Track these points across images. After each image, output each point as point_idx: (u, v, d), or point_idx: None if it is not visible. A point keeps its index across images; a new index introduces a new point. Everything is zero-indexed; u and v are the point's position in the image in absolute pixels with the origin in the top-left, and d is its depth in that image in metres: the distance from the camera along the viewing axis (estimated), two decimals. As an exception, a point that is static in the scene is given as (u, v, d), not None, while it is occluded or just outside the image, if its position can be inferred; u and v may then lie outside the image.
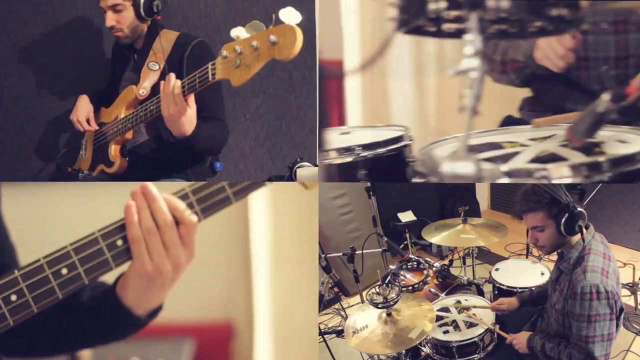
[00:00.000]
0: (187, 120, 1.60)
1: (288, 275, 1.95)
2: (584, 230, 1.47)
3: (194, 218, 0.89)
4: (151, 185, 0.89)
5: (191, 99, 1.56)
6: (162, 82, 1.59)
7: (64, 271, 0.86)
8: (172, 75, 1.56)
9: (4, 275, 0.86)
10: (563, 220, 1.46)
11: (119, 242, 0.88)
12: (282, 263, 1.95)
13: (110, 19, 1.91)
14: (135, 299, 0.91)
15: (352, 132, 1.68)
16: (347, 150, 1.39)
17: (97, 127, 2.03)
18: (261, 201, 1.93)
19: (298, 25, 1.25)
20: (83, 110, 2.06)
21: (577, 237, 1.51)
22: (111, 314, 0.93)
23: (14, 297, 0.85)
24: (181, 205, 0.89)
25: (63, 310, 0.93)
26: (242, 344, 2.01)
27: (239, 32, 1.33)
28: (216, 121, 1.88)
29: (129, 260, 0.89)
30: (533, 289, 1.96)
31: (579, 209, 1.45)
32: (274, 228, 1.92)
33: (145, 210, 0.87)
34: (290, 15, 1.25)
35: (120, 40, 1.97)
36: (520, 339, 1.64)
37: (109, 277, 0.93)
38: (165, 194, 0.89)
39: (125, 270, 0.92)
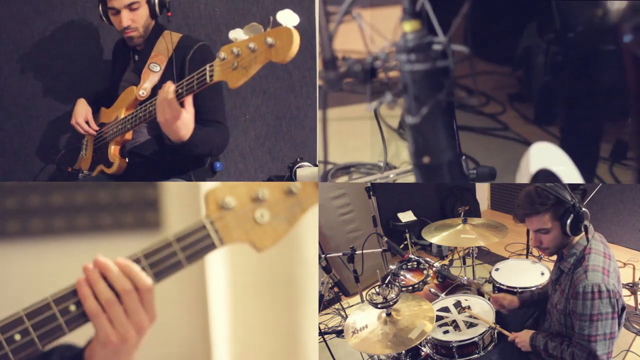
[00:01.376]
0: (183, 124, 1.57)
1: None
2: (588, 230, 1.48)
3: (149, 281, 0.89)
4: (102, 256, 0.89)
5: (188, 102, 1.54)
6: (159, 91, 1.57)
7: (17, 337, 0.85)
8: (169, 83, 1.55)
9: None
10: (569, 221, 1.46)
11: (72, 307, 0.87)
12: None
13: (127, 19, 1.88)
14: None
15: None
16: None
17: (97, 129, 2.04)
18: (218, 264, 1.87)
19: (295, 27, 1.25)
20: (82, 112, 2.06)
21: (577, 237, 1.51)
22: None
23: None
24: (136, 268, 0.88)
25: None
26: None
27: (237, 34, 1.33)
28: (216, 124, 1.87)
29: (83, 325, 0.88)
30: (534, 290, 1.96)
31: (583, 209, 1.45)
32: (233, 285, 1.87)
33: (100, 282, 0.87)
34: (287, 18, 1.25)
35: (133, 40, 1.95)
36: (523, 337, 1.64)
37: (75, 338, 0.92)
38: (117, 259, 0.89)
39: (91, 337, 0.91)
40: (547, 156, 1.43)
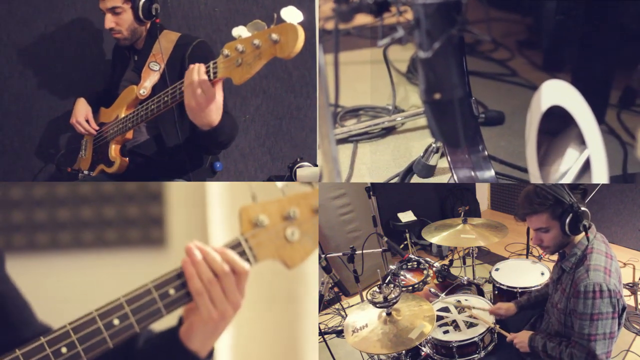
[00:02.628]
0: (216, 107, 1.49)
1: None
2: (588, 229, 1.48)
3: (247, 265, 0.98)
4: (200, 243, 0.98)
5: (219, 85, 1.47)
6: (186, 72, 1.48)
7: (116, 322, 0.93)
8: (199, 64, 1.46)
9: (55, 329, 0.91)
10: (567, 220, 1.46)
11: (171, 291, 0.96)
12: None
13: (110, 21, 1.92)
14: (201, 343, 1.00)
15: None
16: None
17: (97, 128, 2.04)
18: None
19: (299, 24, 1.26)
20: (81, 112, 2.06)
21: (579, 237, 1.51)
22: (176, 359, 1.01)
23: (64, 350, 0.90)
24: (232, 254, 0.97)
25: (117, 357, 1.00)
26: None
27: (240, 31, 1.33)
28: (226, 114, 1.86)
29: (180, 307, 0.97)
30: (531, 293, 1.96)
31: (582, 208, 1.46)
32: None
33: (203, 263, 0.96)
34: (292, 14, 1.25)
35: (120, 41, 1.98)
36: (521, 338, 1.64)
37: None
38: (215, 246, 0.98)
39: (182, 317, 1.01)
40: (559, 93, 1.41)
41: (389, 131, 2.54)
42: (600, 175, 1.35)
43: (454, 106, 1.47)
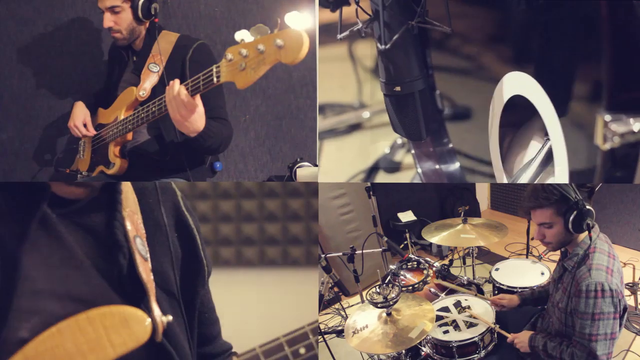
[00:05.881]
0: (199, 116, 1.61)
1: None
2: (591, 228, 1.48)
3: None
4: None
5: (198, 98, 1.57)
6: (167, 87, 1.59)
7: (302, 350, 1.01)
8: (176, 81, 1.56)
9: (245, 352, 0.98)
10: (572, 217, 1.46)
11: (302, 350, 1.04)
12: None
13: (108, 20, 1.91)
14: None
15: None
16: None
17: (94, 132, 2.04)
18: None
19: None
20: (79, 116, 2.06)
21: (582, 236, 1.51)
22: None
23: None
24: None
25: None
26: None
27: (243, 35, 1.33)
28: (220, 120, 1.88)
29: None
30: (535, 288, 1.96)
31: (587, 207, 1.46)
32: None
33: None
34: (296, 20, 1.25)
35: (118, 41, 1.98)
36: (522, 338, 1.64)
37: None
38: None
39: None
40: (520, 85, 1.42)
41: (355, 128, 2.53)
42: (561, 167, 1.35)
43: (415, 99, 1.47)
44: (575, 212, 1.45)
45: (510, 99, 1.48)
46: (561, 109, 1.32)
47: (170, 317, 0.95)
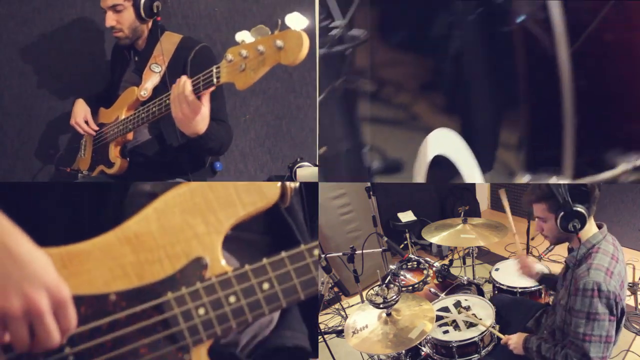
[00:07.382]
0: (202, 118, 1.58)
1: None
2: (582, 230, 1.49)
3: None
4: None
5: (206, 98, 1.55)
6: (173, 85, 1.58)
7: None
8: (183, 77, 1.55)
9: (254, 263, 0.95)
10: (559, 216, 1.49)
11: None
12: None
13: (111, 19, 1.91)
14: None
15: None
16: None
17: (96, 128, 2.04)
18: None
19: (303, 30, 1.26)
20: (80, 113, 2.06)
21: (588, 234, 1.53)
22: None
23: (266, 286, 0.94)
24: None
25: None
26: None
27: (243, 36, 1.34)
28: (220, 122, 1.88)
29: None
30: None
31: (578, 209, 1.46)
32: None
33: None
34: (296, 21, 1.25)
35: (120, 40, 1.98)
36: (515, 340, 1.65)
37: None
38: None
39: None
40: (444, 142, 1.43)
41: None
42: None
43: (341, 160, 1.45)
44: (562, 212, 1.48)
45: (435, 157, 1.49)
46: (486, 165, 1.33)
47: (297, 184, 0.97)
